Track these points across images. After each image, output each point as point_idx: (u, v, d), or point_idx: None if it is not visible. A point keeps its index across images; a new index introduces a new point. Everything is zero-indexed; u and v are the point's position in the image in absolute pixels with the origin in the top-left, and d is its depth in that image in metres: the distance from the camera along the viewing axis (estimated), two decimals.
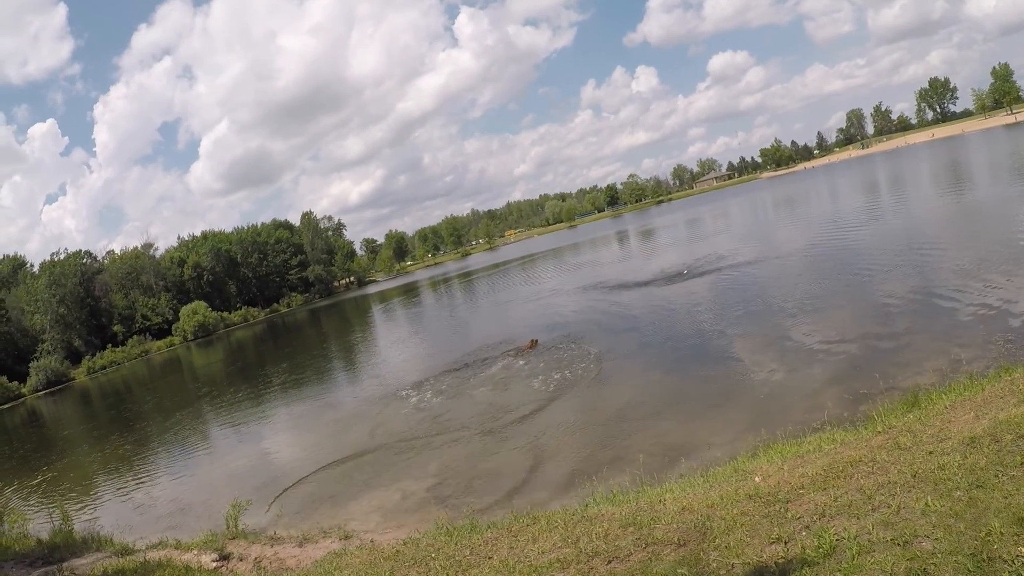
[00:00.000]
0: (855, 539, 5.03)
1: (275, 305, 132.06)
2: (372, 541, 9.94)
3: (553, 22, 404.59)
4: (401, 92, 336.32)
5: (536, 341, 25.62)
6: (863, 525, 5.24)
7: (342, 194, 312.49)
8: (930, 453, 6.37)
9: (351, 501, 13.62)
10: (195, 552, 11.45)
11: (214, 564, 10.58)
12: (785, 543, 5.36)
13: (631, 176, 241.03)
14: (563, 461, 12.61)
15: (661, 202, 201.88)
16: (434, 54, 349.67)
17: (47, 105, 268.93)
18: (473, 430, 16.27)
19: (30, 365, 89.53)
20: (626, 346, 21.14)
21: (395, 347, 37.77)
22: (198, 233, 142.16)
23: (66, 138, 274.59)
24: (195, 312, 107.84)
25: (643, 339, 21.32)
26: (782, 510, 6.03)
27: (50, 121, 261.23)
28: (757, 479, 7.22)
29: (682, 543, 5.95)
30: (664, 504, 7.22)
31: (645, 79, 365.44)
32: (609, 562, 6.06)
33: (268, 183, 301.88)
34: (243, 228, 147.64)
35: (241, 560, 10.72)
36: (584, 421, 14.65)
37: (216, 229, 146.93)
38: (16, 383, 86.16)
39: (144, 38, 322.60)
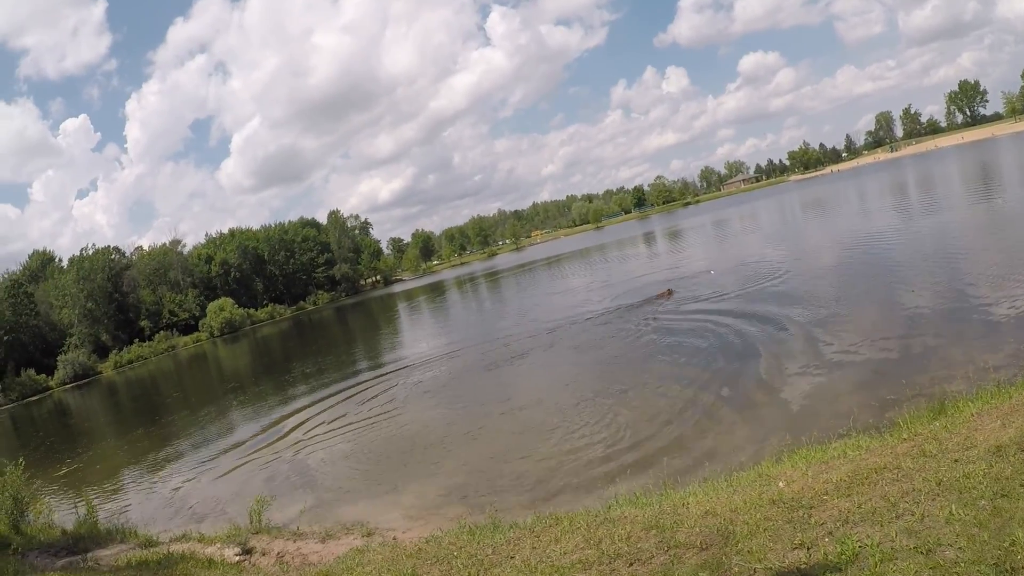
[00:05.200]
0: (878, 546, 5.03)
1: (301, 303, 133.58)
2: (394, 538, 10.00)
3: (585, 21, 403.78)
4: (433, 91, 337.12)
5: (671, 291, 28.00)
6: (886, 532, 5.23)
7: (372, 192, 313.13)
8: (955, 461, 6.34)
9: (374, 498, 13.71)
10: (218, 546, 11.57)
11: (237, 558, 10.67)
12: (808, 549, 5.36)
13: (659, 178, 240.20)
14: (586, 462, 12.60)
15: (688, 204, 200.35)
16: (467, 53, 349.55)
17: (81, 100, 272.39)
18: (496, 429, 16.34)
19: (58, 359, 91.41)
20: (649, 346, 21.10)
21: (420, 343, 37.89)
22: (227, 230, 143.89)
23: (98, 134, 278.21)
24: (222, 308, 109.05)
25: (666, 340, 21.25)
26: (805, 516, 6.03)
27: (83, 116, 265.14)
28: (781, 484, 7.21)
29: (705, 547, 5.97)
30: (687, 508, 7.23)
31: (675, 79, 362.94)
32: (631, 564, 6.08)
33: (298, 180, 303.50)
34: (270, 226, 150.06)
35: (264, 555, 10.80)
36: (606, 422, 14.62)
37: (246, 226, 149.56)
38: (44, 376, 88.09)
39: (180, 32, 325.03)
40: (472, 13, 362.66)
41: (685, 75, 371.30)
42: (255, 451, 20.79)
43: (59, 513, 17.06)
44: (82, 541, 13.74)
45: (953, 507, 5.34)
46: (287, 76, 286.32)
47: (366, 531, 11.07)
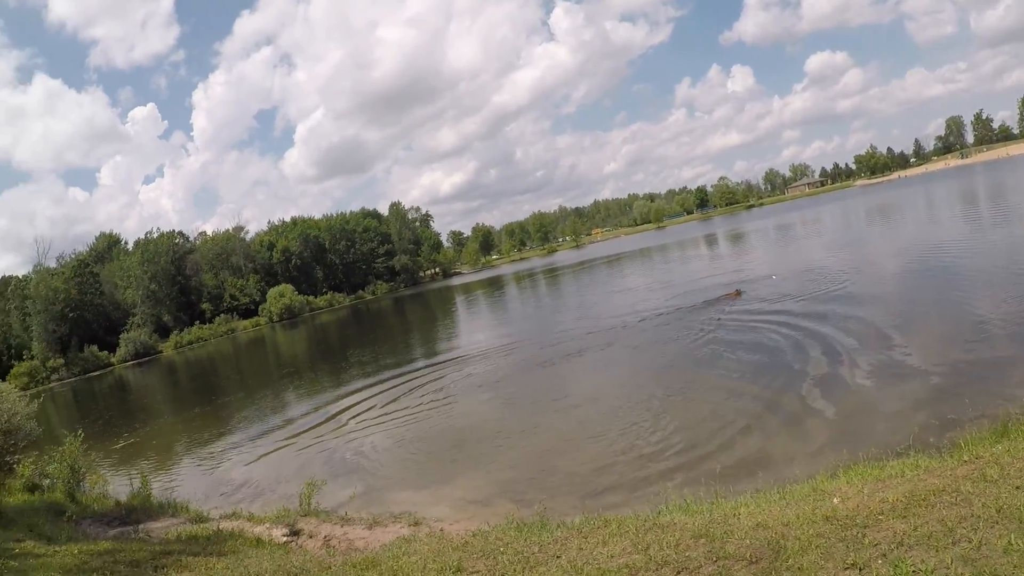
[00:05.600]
0: (932, 572, 4.93)
1: (360, 292, 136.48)
2: (441, 530, 10.11)
3: (650, 17, 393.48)
4: (496, 85, 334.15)
5: (740, 292, 28.29)
6: (942, 559, 5.11)
7: (433, 185, 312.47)
8: (1017, 488, 6.15)
9: (423, 489, 13.85)
10: (267, 525, 11.90)
11: (284, 539, 10.97)
12: (860, 570, 5.27)
13: (722, 178, 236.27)
14: (638, 465, 12.53)
15: (751, 207, 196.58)
16: (530, 48, 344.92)
17: (149, 89, 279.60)
18: (549, 426, 16.35)
19: (120, 337, 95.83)
20: (708, 349, 20.84)
21: (476, 336, 38.05)
22: (289, 218, 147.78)
23: (166, 122, 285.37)
24: (282, 295, 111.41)
25: (725, 344, 20.97)
26: (859, 535, 5.92)
27: (151, 105, 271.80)
28: (835, 501, 7.08)
29: (754, 560, 5.90)
30: (738, 518, 7.15)
31: (741, 78, 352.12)
32: (678, 573, 6.05)
33: (361, 171, 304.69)
34: (332, 215, 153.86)
35: (311, 537, 11.07)
36: (661, 425, 14.50)
37: (308, 215, 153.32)
38: (106, 353, 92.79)
39: (247, 24, 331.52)
40: (536, 8, 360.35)
41: (751, 74, 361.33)
42: (307, 435, 21.21)
43: (114, 485, 17.70)
44: (135, 513, 14.21)
45: (1012, 536, 5.19)
46: (351, 68, 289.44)
47: (413, 521, 11.21)
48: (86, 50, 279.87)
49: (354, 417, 22.08)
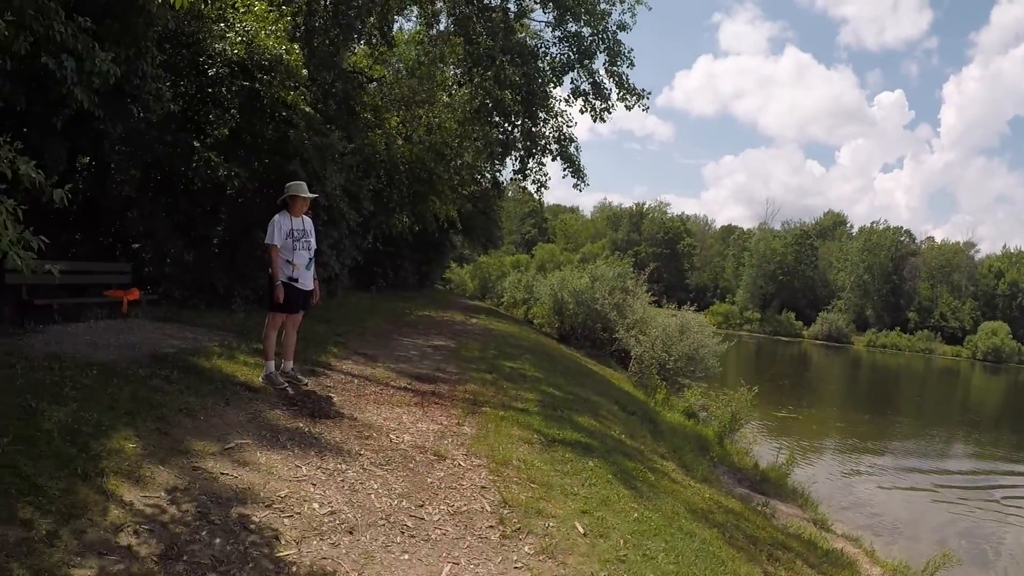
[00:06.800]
0: None
1: None
2: None
3: None
4: None
5: None
6: None
7: None
8: None
9: None
10: (881, 572, 10.98)
11: None
12: None
13: None
14: None
15: None
16: None
17: (899, 74, 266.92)
18: None
19: (819, 314, 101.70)
20: None
21: None
22: None
23: (912, 112, 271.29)
24: (995, 333, 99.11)
25: None
26: None
27: (898, 92, 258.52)
28: None
29: None
30: None
31: None
32: None
33: None
34: None
35: None
36: None
37: None
38: (800, 323, 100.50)
39: (1006, 14, 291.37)
40: None
41: None
42: (955, 492, 19.35)
43: (759, 447, 18.55)
44: (766, 484, 14.63)
45: None
46: None
47: None
48: (836, 28, 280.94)
49: (1010, 497, 19.13)
